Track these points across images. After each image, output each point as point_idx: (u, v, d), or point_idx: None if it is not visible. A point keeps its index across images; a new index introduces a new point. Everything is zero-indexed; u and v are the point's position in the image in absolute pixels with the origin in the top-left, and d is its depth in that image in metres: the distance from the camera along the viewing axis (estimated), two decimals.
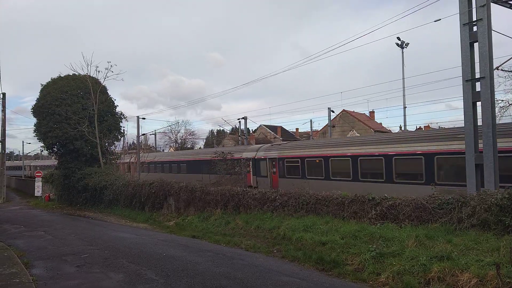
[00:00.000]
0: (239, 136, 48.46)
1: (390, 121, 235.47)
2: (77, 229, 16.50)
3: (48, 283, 8.15)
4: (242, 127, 44.05)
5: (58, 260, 10.38)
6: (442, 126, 53.80)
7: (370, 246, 9.04)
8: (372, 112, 60.92)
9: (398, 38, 36.77)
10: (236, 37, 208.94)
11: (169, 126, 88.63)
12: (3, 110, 34.83)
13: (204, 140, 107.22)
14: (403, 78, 37.40)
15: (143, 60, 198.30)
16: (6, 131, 34.34)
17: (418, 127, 74.00)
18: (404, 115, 37.98)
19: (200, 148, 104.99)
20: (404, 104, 37.72)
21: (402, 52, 37.17)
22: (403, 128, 43.93)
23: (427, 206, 10.07)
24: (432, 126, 65.34)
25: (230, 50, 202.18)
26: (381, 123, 62.58)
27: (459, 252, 7.75)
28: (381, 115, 73.43)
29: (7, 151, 38.57)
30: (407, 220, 10.32)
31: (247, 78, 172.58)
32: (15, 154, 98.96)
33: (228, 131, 78.36)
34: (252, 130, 77.67)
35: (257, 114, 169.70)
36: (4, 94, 34.73)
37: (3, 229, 17.13)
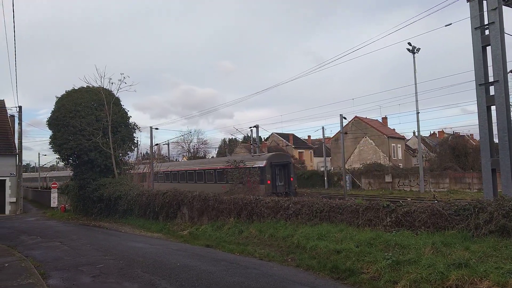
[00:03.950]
0: (251, 144, 48.54)
1: (403, 127, 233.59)
2: (92, 240, 16.62)
3: None
4: (254, 135, 44.15)
5: (74, 270, 10.47)
6: (457, 131, 53.15)
7: (385, 254, 8.92)
8: (384, 118, 60.55)
9: (409, 44, 36.60)
10: (247, 44, 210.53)
11: (182, 135, 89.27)
12: (20, 123, 35.60)
13: (217, 149, 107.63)
14: (415, 84, 37.15)
15: (155, 70, 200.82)
16: (22, 144, 35.03)
17: (432, 132, 73.35)
18: (418, 121, 37.66)
19: (212, 157, 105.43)
20: (417, 109, 37.42)
21: (414, 57, 36.96)
22: (416, 134, 43.44)
23: (443, 213, 9.91)
24: (446, 131, 64.65)
25: (241, 58, 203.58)
26: (394, 129, 62.05)
27: (477, 259, 7.60)
28: (394, 121, 73.00)
29: (24, 163, 39.20)
30: (423, 227, 10.16)
31: (258, 85, 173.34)
32: (31, 166, 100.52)
33: (240, 140, 78.57)
34: (264, 138, 77.68)
35: (269, 122, 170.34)
36: (20, 108, 35.60)
37: (20, 240, 17.36)
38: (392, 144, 55.94)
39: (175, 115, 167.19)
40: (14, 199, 32.51)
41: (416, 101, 37.23)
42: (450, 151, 44.21)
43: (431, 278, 7.41)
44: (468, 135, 55.80)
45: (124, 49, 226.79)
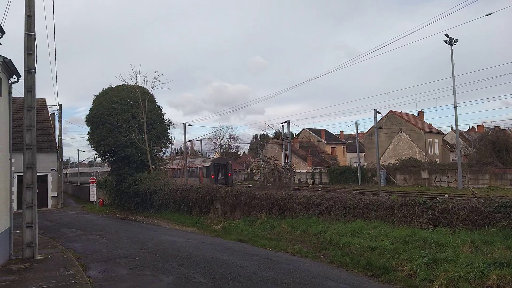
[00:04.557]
0: (282, 140, 48.42)
1: (440, 121, 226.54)
2: (129, 233, 17.15)
3: (103, 284, 8.54)
4: (286, 131, 44.00)
5: (112, 262, 10.85)
6: (497, 125, 50.91)
7: (422, 251, 8.72)
8: (421, 113, 58.77)
9: (447, 35, 35.31)
10: (279, 40, 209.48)
11: (214, 131, 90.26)
12: (60, 121, 37.10)
13: (248, 145, 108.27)
14: (453, 76, 35.82)
15: (187, 68, 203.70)
16: (63, 140, 36.51)
17: (471, 126, 70.63)
18: (455, 115, 36.34)
19: (244, 153, 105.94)
20: (455, 103, 36.09)
21: (451, 49, 35.62)
22: (454, 128, 42.01)
23: (482, 210, 9.58)
24: (486, 125, 62.09)
25: (272, 54, 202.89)
26: (430, 124, 60.24)
27: None
28: (430, 115, 71.01)
29: (64, 159, 40.80)
30: (461, 224, 9.86)
31: (290, 80, 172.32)
32: (71, 162, 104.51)
33: (272, 136, 78.58)
34: (295, 134, 77.35)
35: (301, 118, 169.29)
36: (60, 106, 37.07)
37: (62, 233, 18.14)
38: (429, 139, 54.31)
39: (208, 111, 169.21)
40: (55, 194, 33.96)
41: (454, 94, 35.92)
42: (490, 146, 42.37)
43: (470, 277, 7.18)
44: (509, 129, 53.28)
45: (157, 48, 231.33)
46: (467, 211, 9.87)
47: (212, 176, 37.63)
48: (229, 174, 40.15)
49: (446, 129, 67.10)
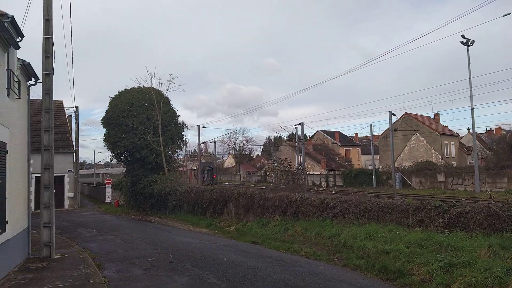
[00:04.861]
0: (296, 142, 48.29)
1: (457, 123, 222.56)
2: (144, 234, 17.31)
3: (118, 284, 8.63)
4: (299, 133, 43.88)
5: (127, 263, 10.96)
6: None
7: (437, 255, 8.60)
8: (436, 115, 58.01)
9: (463, 36, 34.79)
10: (292, 41, 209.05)
11: (228, 133, 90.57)
12: (77, 123, 37.70)
13: (262, 147, 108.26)
14: (470, 77, 35.27)
15: (201, 70, 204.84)
16: (79, 142, 37.08)
17: (488, 129, 69.36)
18: (472, 117, 35.72)
19: (257, 155, 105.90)
20: (472, 105, 35.49)
21: (468, 50, 35.08)
22: (471, 131, 41.37)
23: (500, 214, 9.40)
24: (504, 127, 60.96)
25: (286, 55, 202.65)
26: (446, 126, 59.33)
27: None
28: (446, 118, 69.49)
29: (80, 160, 41.42)
30: (478, 228, 9.69)
31: (304, 82, 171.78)
32: (87, 163, 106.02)
33: (285, 138, 78.39)
34: (309, 136, 77.06)
35: (314, 120, 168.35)
36: (77, 108, 37.61)
37: (78, 233, 18.41)
38: (445, 142, 53.54)
39: (221, 113, 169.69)
40: (72, 194, 34.49)
41: (471, 96, 35.33)
42: (508, 148, 41.53)
43: (488, 282, 7.04)
44: None
45: (172, 50, 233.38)
46: (484, 215, 9.70)
47: (199, 178, 42.14)
48: (214, 176, 47.34)
49: (462, 132, 66.02)
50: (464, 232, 9.86)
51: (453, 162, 51.04)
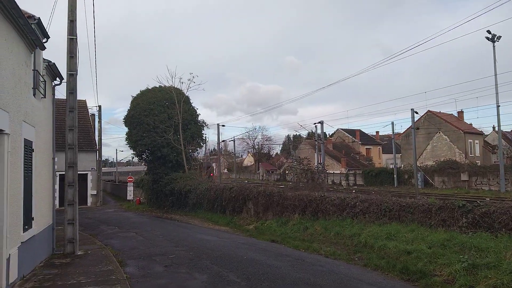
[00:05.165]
0: (316, 140, 48.02)
1: (482, 121, 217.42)
2: (164, 231, 17.52)
3: (139, 281, 8.76)
4: (319, 131, 43.61)
5: (148, 259, 11.12)
6: None
7: (461, 256, 8.41)
8: (460, 112, 56.71)
9: (489, 32, 33.87)
10: (312, 39, 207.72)
11: (247, 132, 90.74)
12: (99, 121, 38.40)
13: (281, 146, 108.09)
14: (495, 74, 34.34)
15: (221, 69, 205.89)
16: (102, 140, 37.78)
17: None
18: (498, 115, 34.78)
19: (276, 154, 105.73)
20: (497, 102, 34.56)
21: (494, 46, 34.15)
22: (496, 129, 40.30)
23: None
24: None
25: (306, 53, 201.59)
26: (471, 124, 57.95)
27: None
28: (471, 115, 68.12)
29: (103, 158, 42.22)
30: (503, 229, 9.45)
31: (324, 80, 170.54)
32: (109, 161, 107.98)
33: (304, 136, 78.06)
34: (329, 134, 76.50)
35: (334, 118, 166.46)
36: (100, 107, 38.36)
37: (100, 230, 18.77)
38: (469, 140, 52.29)
39: (240, 112, 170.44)
40: (95, 192, 35.19)
41: (496, 93, 34.41)
42: None
43: None
44: None
45: (192, 50, 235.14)
46: (510, 216, 9.45)
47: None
48: (212, 174, 50.29)
49: (487, 130, 64.51)
50: (488, 232, 9.63)
51: (477, 161, 49.82)
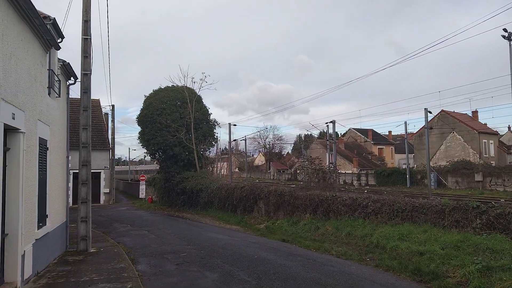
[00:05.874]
0: (327, 140, 47.80)
1: (497, 121, 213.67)
2: (176, 229, 17.63)
3: (151, 278, 8.84)
4: (331, 131, 43.39)
5: (160, 257, 11.21)
6: None
7: (475, 258, 8.32)
8: (475, 112, 55.88)
9: (505, 30, 33.28)
10: (324, 38, 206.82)
11: (258, 131, 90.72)
12: (113, 121, 38.80)
13: (292, 145, 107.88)
14: (511, 73, 33.74)
15: (232, 68, 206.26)
16: (115, 139, 38.18)
17: None
18: None
19: (287, 153, 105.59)
20: None
21: (510, 45, 33.54)
22: (511, 129, 39.56)
23: None
24: None
25: (318, 52, 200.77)
26: (485, 124, 57.04)
27: None
28: (485, 115, 67.12)
29: (116, 157, 42.64)
30: None
31: (336, 79, 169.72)
32: (122, 160, 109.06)
33: (316, 136, 77.77)
34: (340, 134, 76.08)
35: (346, 118, 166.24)
36: (113, 106, 38.74)
37: (113, 228, 18.97)
38: (484, 140, 51.49)
39: (252, 111, 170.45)
40: (108, 190, 35.57)
41: None
42: None
43: None
44: None
45: (204, 50, 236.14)
46: None
47: None
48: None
49: (502, 130, 63.45)
50: (503, 234, 9.50)
51: (492, 162, 49.04)
